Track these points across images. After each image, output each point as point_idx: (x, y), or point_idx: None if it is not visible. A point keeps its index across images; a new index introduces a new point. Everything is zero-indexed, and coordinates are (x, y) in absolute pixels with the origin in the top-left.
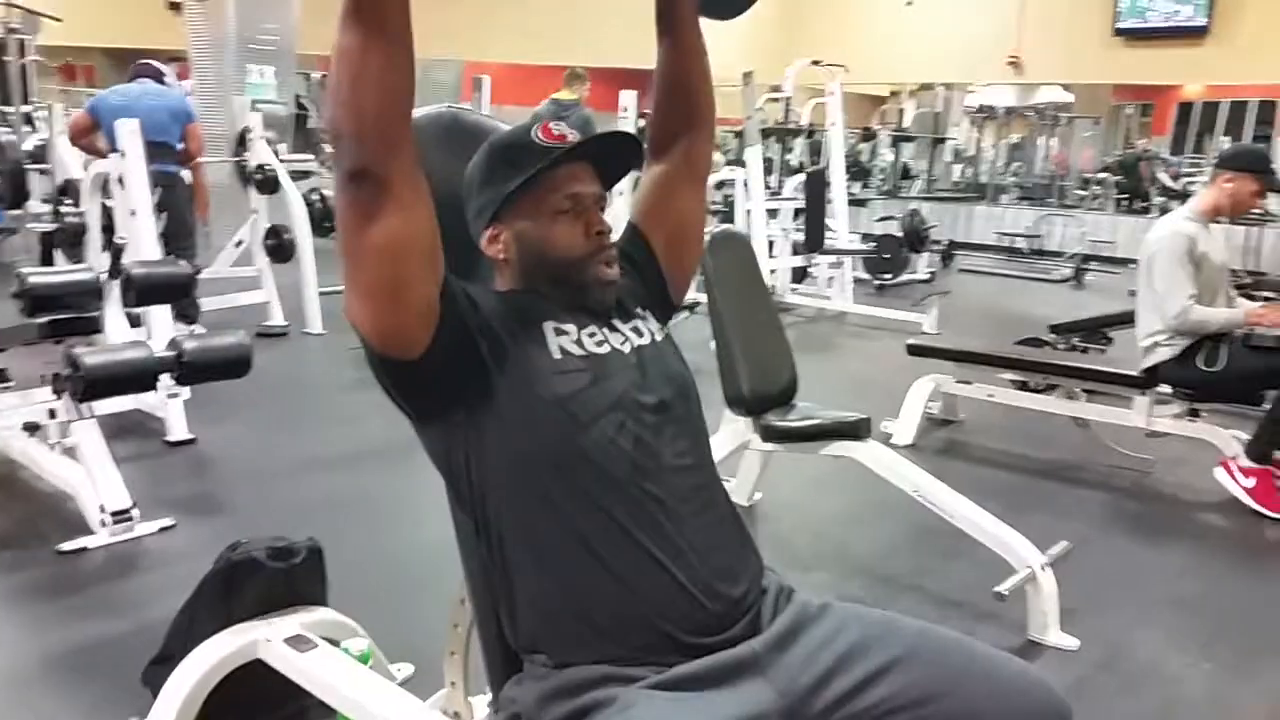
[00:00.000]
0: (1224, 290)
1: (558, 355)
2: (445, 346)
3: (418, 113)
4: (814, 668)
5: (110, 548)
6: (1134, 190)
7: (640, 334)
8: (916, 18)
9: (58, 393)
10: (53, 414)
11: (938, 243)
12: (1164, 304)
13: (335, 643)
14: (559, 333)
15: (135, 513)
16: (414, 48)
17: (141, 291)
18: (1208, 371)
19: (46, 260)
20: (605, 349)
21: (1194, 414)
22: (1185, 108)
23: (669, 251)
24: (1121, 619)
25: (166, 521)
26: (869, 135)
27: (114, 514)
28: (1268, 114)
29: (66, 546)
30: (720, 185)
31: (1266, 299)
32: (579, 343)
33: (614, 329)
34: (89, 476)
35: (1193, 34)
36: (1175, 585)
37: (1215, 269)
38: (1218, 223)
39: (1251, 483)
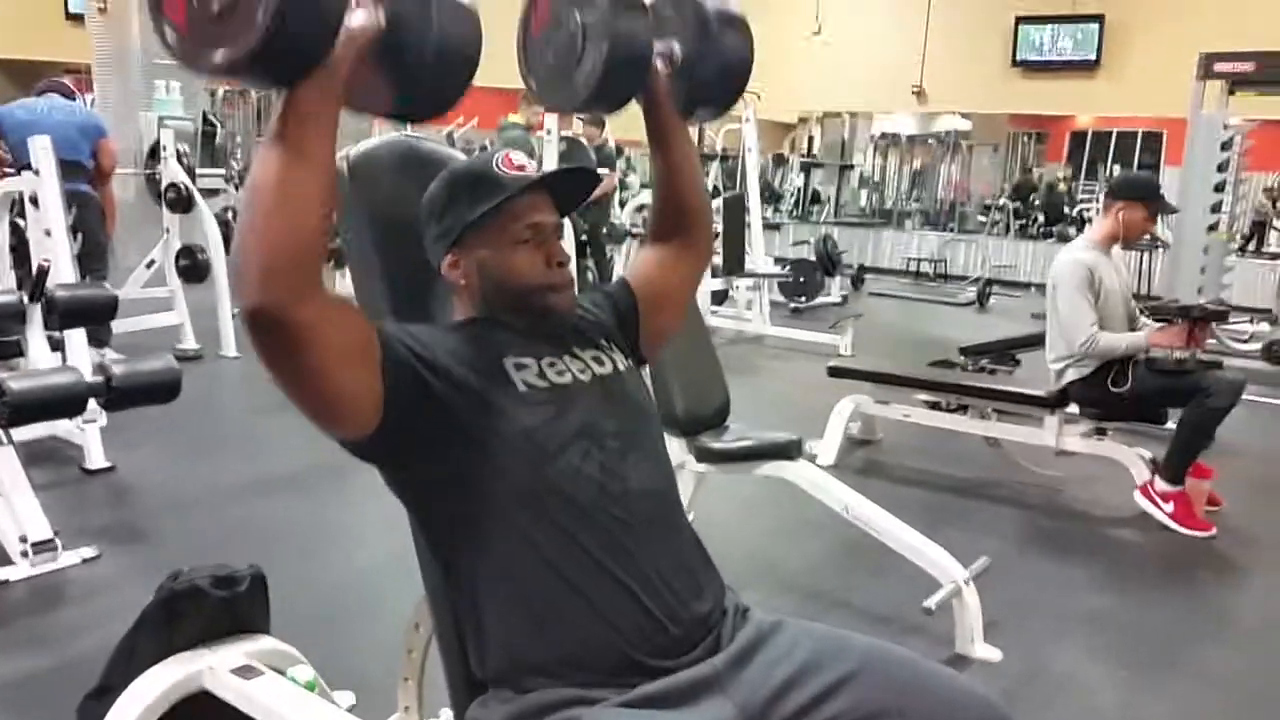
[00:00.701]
0: (1128, 315)
1: (522, 389)
2: (398, 415)
3: (373, 141)
4: (771, 682)
5: (32, 580)
6: (1049, 214)
7: (601, 363)
8: (824, 49)
9: None
10: None
11: (849, 267)
12: (1069, 333)
13: (281, 671)
14: (519, 367)
15: (58, 543)
16: (333, 202)
17: (65, 314)
18: (1115, 393)
19: None
20: (566, 378)
21: (1101, 433)
22: (1078, 137)
23: (650, 317)
24: (1041, 632)
25: (89, 552)
26: (780, 161)
27: (35, 545)
28: (1154, 143)
29: None
30: (641, 209)
31: (1166, 321)
32: (541, 374)
33: (574, 356)
34: (8, 506)
35: (1085, 67)
36: (1090, 598)
37: (1117, 295)
38: (1115, 249)
39: (1171, 506)
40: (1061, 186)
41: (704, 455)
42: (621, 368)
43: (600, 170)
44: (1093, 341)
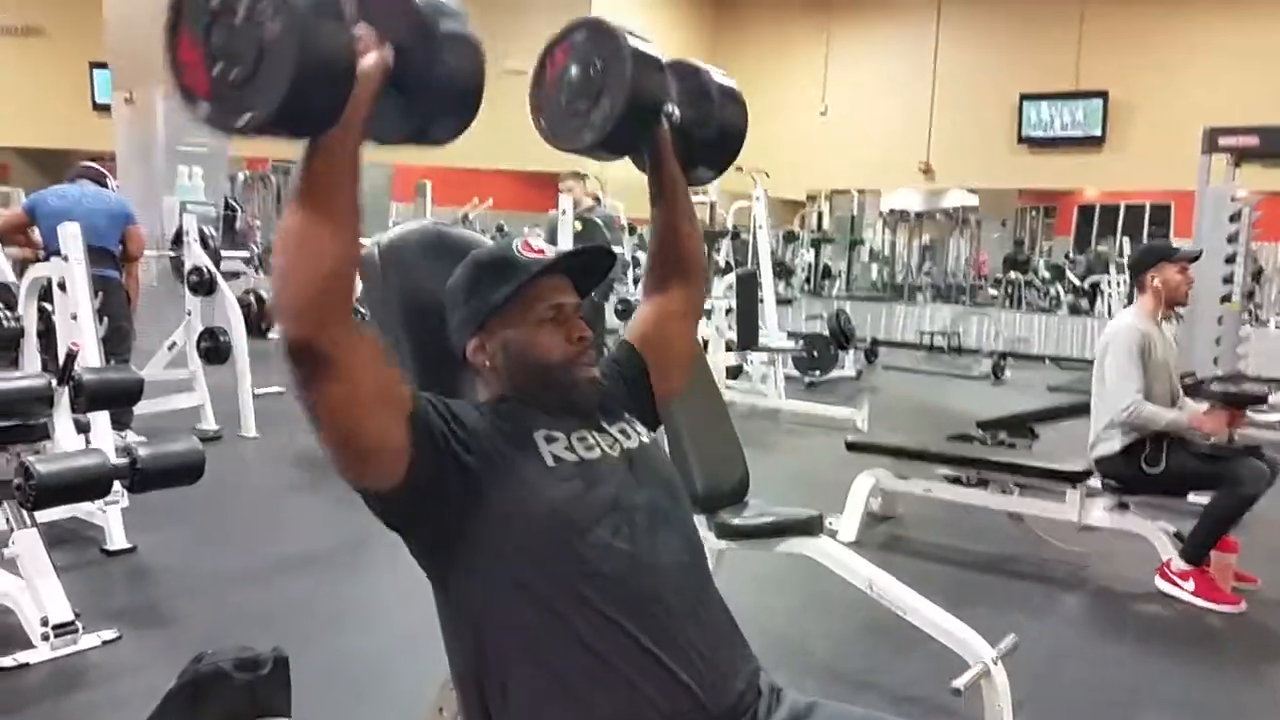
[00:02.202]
0: (1171, 392)
1: (551, 463)
2: (424, 472)
3: (404, 228)
4: None
5: (53, 663)
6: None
7: (628, 436)
8: (832, 127)
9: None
10: None
11: (862, 340)
12: (1113, 398)
13: None
14: (550, 440)
15: (79, 625)
16: (359, 231)
17: (92, 398)
18: (1148, 473)
19: None
20: (596, 453)
21: (1124, 507)
22: (1086, 210)
23: (659, 372)
24: (1069, 711)
25: (110, 634)
26: (791, 237)
27: (56, 627)
28: (1161, 216)
29: (6, 662)
30: None
31: (1208, 402)
32: (570, 448)
33: (602, 431)
34: (30, 588)
35: (1090, 143)
36: (1119, 675)
37: (1165, 369)
38: (1166, 320)
39: (1191, 585)
40: (1064, 261)
41: (724, 531)
42: (646, 440)
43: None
44: (1136, 409)
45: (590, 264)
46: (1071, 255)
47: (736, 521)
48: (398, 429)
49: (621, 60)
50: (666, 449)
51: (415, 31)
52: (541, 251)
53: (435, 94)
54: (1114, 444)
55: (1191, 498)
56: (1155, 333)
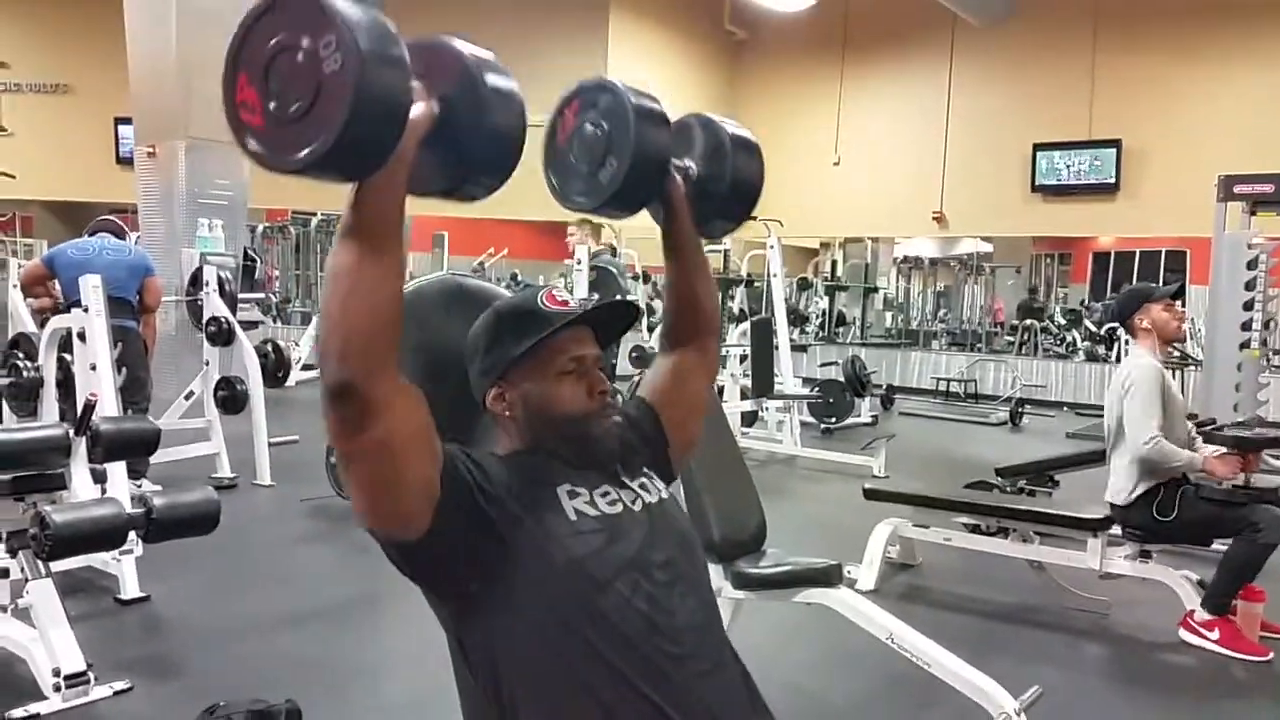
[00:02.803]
0: (1184, 430)
1: (573, 517)
2: (449, 523)
3: (424, 280)
4: None
5: (64, 714)
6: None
7: (648, 491)
8: (844, 176)
9: (12, 551)
10: (5, 573)
11: (878, 387)
12: (1134, 430)
13: None
14: (572, 495)
15: (91, 676)
16: (403, 284)
17: (109, 448)
18: (1161, 520)
19: None
20: (618, 508)
21: (1146, 555)
22: (1101, 257)
23: (675, 428)
24: None
25: (122, 684)
26: (805, 284)
27: (68, 678)
28: (1177, 262)
29: (17, 714)
30: None
31: (1221, 446)
32: (592, 503)
33: (624, 486)
34: (42, 638)
35: (1104, 190)
36: None
37: (1179, 408)
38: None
39: (1216, 634)
40: (1080, 308)
41: (741, 581)
42: (665, 495)
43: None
44: (1156, 443)
45: (613, 316)
46: (1088, 302)
47: (754, 571)
48: (430, 475)
49: (625, 120)
50: (683, 499)
51: (462, 86)
52: (565, 303)
53: (476, 149)
54: (1129, 490)
55: (1216, 545)
56: (1165, 372)
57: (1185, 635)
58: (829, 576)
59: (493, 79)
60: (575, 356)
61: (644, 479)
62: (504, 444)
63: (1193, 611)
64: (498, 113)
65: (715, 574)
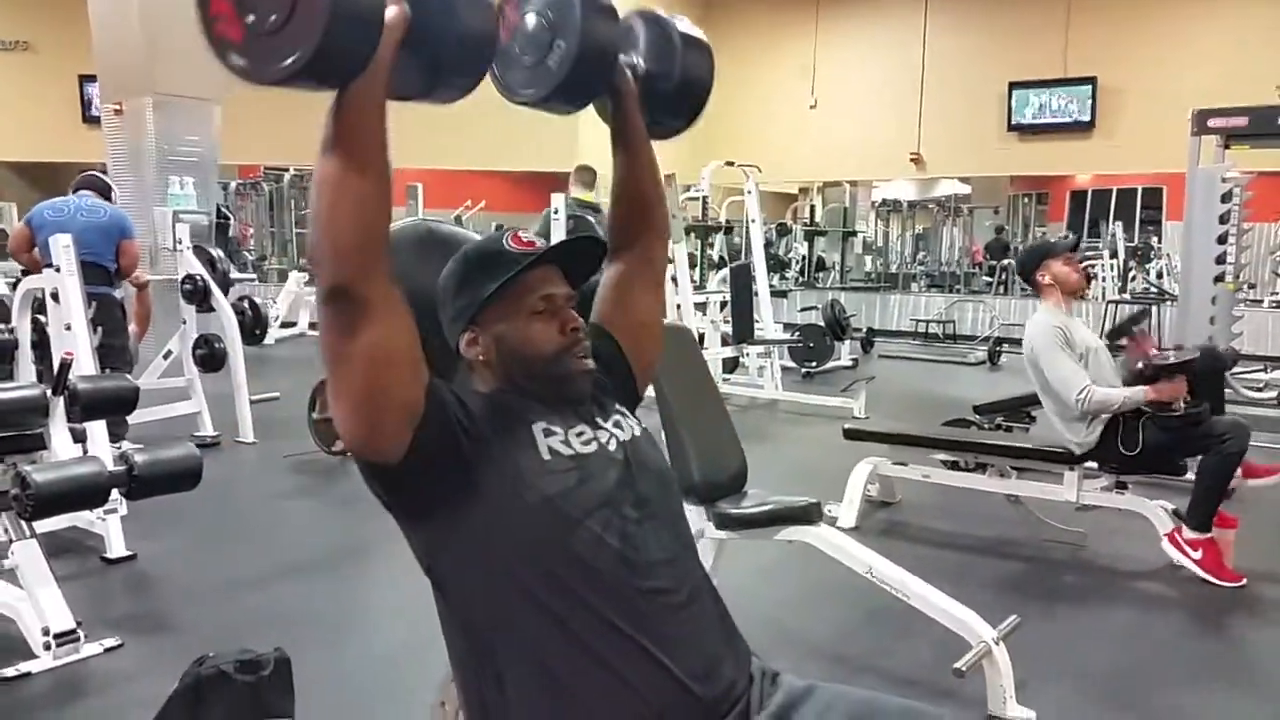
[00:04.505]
0: (1110, 367)
1: (547, 456)
2: (428, 448)
3: (393, 225)
4: None
5: (55, 672)
6: None
7: (622, 429)
8: (821, 120)
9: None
10: None
11: (858, 331)
12: (1064, 394)
13: None
14: (548, 433)
15: (80, 634)
16: (391, 173)
17: (87, 407)
18: (1128, 454)
19: None
20: (592, 447)
21: (1121, 486)
22: (1078, 196)
23: (633, 347)
24: (1073, 689)
25: (112, 642)
26: (784, 230)
27: (58, 636)
28: (1154, 199)
29: (8, 672)
30: None
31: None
32: (567, 442)
33: (598, 426)
34: (30, 598)
35: (1080, 128)
36: (1121, 653)
37: (1093, 353)
38: (1077, 313)
39: (1199, 554)
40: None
41: (723, 521)
42: (638, 433)
43: None
44: (1088, 396)
45: (581, 254)
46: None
47: (735, 511)
48: (417, 395)
49: (571, 6)
50: (663, 440)
51: None
52: (532, 244)
53: (448, 50)
54: (1087, 434)
55: (1190, 475)
56: (1072, 322)
57: (1169, 550)
58: (809, 514)
59: None
60: (545, 295)
61: (618, 416)
62: (481, 388)
63: (1180, 528)
64: (467, 12)
65: (697, 515)
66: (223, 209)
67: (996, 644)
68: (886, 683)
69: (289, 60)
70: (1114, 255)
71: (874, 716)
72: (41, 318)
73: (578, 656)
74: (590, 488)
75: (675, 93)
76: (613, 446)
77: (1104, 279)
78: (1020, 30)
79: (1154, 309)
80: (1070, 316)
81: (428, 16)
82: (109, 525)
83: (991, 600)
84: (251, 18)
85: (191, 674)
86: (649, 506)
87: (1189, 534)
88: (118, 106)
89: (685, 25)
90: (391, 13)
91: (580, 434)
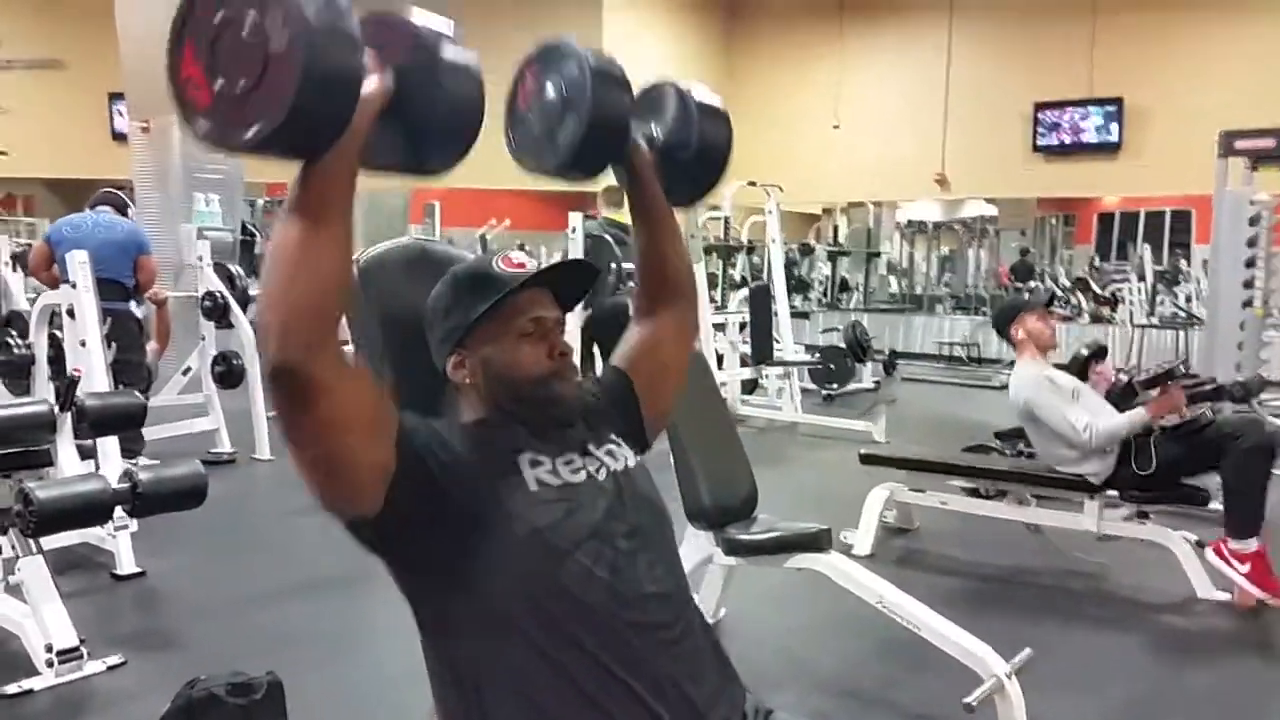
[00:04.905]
0: (1099, 400)
1: (534, 487)
2: (405, 500)
3: (385, 245)
4: None
5: (57, 689)
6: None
7: (615, 459)
8: (844, 140)
9: (1, 529)
10: None
11: (880, 353)
12: (1070, 436)
13: None
14: (534, 464)
15: (83, 651)
16: (351, 265)
17: (95, 423)
18: (1144, 474)
19: None
20: (581, 476)
21: (1144, 516)
22: (1106, 218)
23: (648, 396)
24: None
25: (115, 659)
26: (806, 250)
27: (60, 653)
28: (1182, 222)
29: (10, 689)
30: None
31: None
32: (554, 472)
33: (589, 454)
34: (35, 614)
35: (1106, 150)
36: (1139, 686)
37: (1079, 391)
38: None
39: (1246, 567)
40: (1084, 272)
41: (732, 548)
42: (633, 464)
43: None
44: (1093, 430)
45: (573, 276)
46: (1095, 263)
47: (744, 537)
48: (385, 451)
49: (583, 80)
50: (672, 464)
51: (417, 58)
52: (522, 265)
53: (433, 123)
54: (1103, 465)
55: (1214, 505)
56: (1050, 371)
57: (1214, 560)
58: (819, 541)
59: (449, 50)
60: (534, 318)
61: (611, 446)
62: (467, 413)
63: (1227, 539)
64: (454, 85)
65: (707, 541)
66: (249, 226)
67: (1009, 678)
68: (898, 716)
69: (255, 128)
70: (1142, 279)
71: None
72: (58, 333)
73: (562, 691)
74: (579, 519)
75: (693, 161)
76: (603, 475)
77: (1131, 303)
78: (1045, 50)
79: (1183, 334)
80: (1046, 365)
81: (411, 87)
82: (119, 542)
83: (1008, 631)
84: (221, 82)
85: (183, 696)
86: (641, 538)
87: (1234, 545)
88: (145, 124)
89: (702, 94)
90: (371, 84)
91: (569, 462)
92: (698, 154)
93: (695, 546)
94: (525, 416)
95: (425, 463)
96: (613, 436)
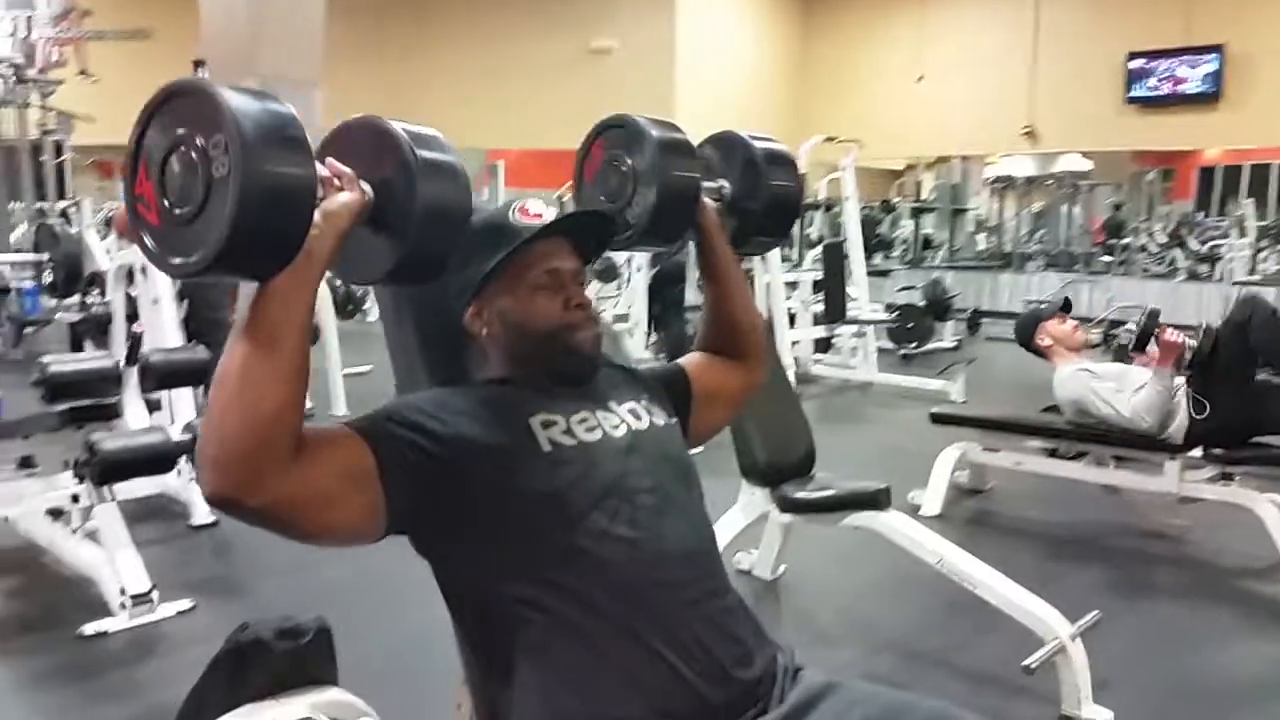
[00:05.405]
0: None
1: (548, 448)
2: (408, 509)
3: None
4: None
5: (130, 631)
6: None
7: (638, 417)
8: (928, 93)
9: (79, 478)
10: (75, 499)
11: (962, 311)
12: (1123, 420)
13: None
14: (546, 425)
15: (155, 596)
16: (303, 389)
17: (159, 377)
18: (1202, 419)
19: (76, 349)
20: (597, 434)
21: (1228, 478)
22: (1207, 172)
23: (703, 408)
24: (1160, 691)
25: (185, 604)
26: (889, 208)
27: (134, 597)
28: None
29: (88, 630)
30: None
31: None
32: (569, 431)
33: (609, 410)
34: (109, 560)
35: (1205, 100)
36: (1216, 654)
37: (1124, 373)
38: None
39: None
40: (1184, 230)
41: (786, 505)
42: (660, 423)
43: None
44: (1132, 409)
45: (590, 227)
46: (1192, 218)
47: (799, 494)
48: (365, 498)
49: (649, 154)
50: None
51: (398, 168)
52: (539, 216)
53: (421, 232)
54: (1175, 428)
55: None
56: (1088, 364)
57: None
58: (877, 500)
59: (430, 156)
60: (550, 269)
61: (635, 405)
62: (488, 369)
63: None
64: (438, 192)
65: (762, 498)
66: None
67: (1073, 640)
68: (959, 678)
69: (198, 255)
70: (1243, 235)
71: (900, 718)
72: (133, 292)
73: (582, 654)
74: (594, 477)
75: (764, 212)
76: (621, 432)
77: (1231, 260)
78: None
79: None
80: (1081, 359)
81: (394, 198)
82: (193, 492)
83: (1080, 594)
84: (167, 205)
85: (232, 640)
86: (663, 495)
87: None
88: None
89: (766, 142)
90: (340, 200)
91: (583, 420)
92: (766, 205)
93: (751, 502)
94: (542, 369)
95: (419, 461)
96: (642, 397)
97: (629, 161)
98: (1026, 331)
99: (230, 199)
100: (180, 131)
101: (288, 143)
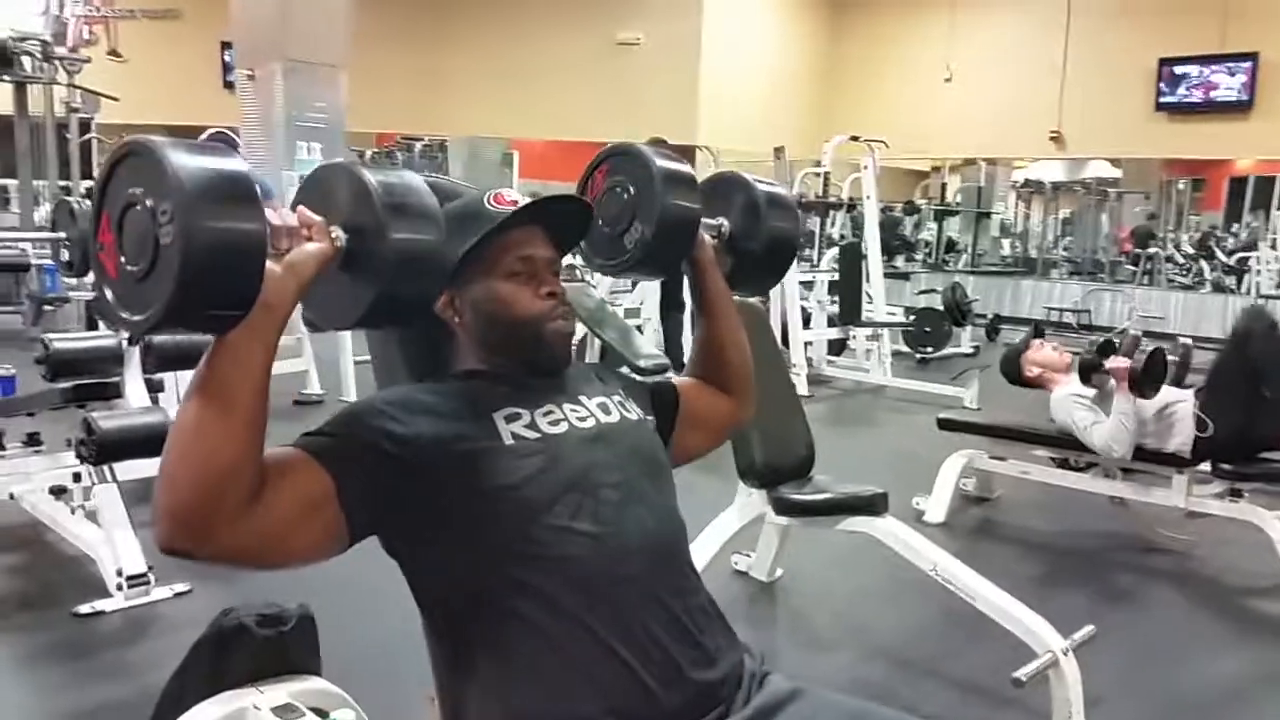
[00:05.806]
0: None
1: (510, 442)
2: (369, 520)
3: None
4: None
5: (126, 611)
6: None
7: (608, 411)
8: (955, 94)
9: (81, 457)
10: (77, 477)
11: (981, 316)
12: (1102, 452)
13: (324, 713)
14: (510, 419)
15: (152, 577)
16: (259, 442)
17: (161, 358)
18: (1205, 436)
19: (91, 328)
20: (561, 427)
21: (1236, 494)
22: (1237, 182)
23: (687, 428)
24: (1154, 709)
25: (182, 587)
26: (912, 209)
27: (130, 578)
28: None
29: (83, 609)
30: None
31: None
32: (532, 425)
33: (577, 403)
34: (108, 539)
35: (1237, 109)
36: (1214, 672)
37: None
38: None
39: None
40: (1212, 242)
41: (783, 507)
42: (633, 418)
43: None
44: (1100, 437)
45: (567, 215)
46: (1221, 228)
47: (795, 497)
48: (323, 520)
49: (651, 183)
50: None
51: (370, 216)
52: (514, 203)
53: (397, 278)
54: (1179, 444)
55: None
56: (1078, 388)
57: None
58: (874, 505)
59: (403, 201)
60: (523, 256)
61: (606, 400)
62: (462, 361)
63: None
64: (412, 238)
65: (759, 499)
66: None
67: (1065, 654)
68: (950, 687)
69: (149, 312)
70: (1273, 247)
71: None
72: None
73: (542, 650)
74: (558, 470)
75: (762, 253)
76: (587, 425)
77: (1259, 272)
78: (1173, 2)
79: None
80: (1073, 383)
81: (366, 247)
82: None
83: (1080, 607)
84: (123, 259)
85: (215, 624)
86: (630, 489)
87: None
88: (251, 72)
89: (768, 185)
90: (312, 250)
91: (549, 413)
92: (766, 246)
93: (747, 504)
94: (514, 355)
95: (374, 475)
96: (616, 392)
97: (631, 189)
98: (1012, 369)
99: (175, 262)
100: (133, 190)
101: (234, 203)
